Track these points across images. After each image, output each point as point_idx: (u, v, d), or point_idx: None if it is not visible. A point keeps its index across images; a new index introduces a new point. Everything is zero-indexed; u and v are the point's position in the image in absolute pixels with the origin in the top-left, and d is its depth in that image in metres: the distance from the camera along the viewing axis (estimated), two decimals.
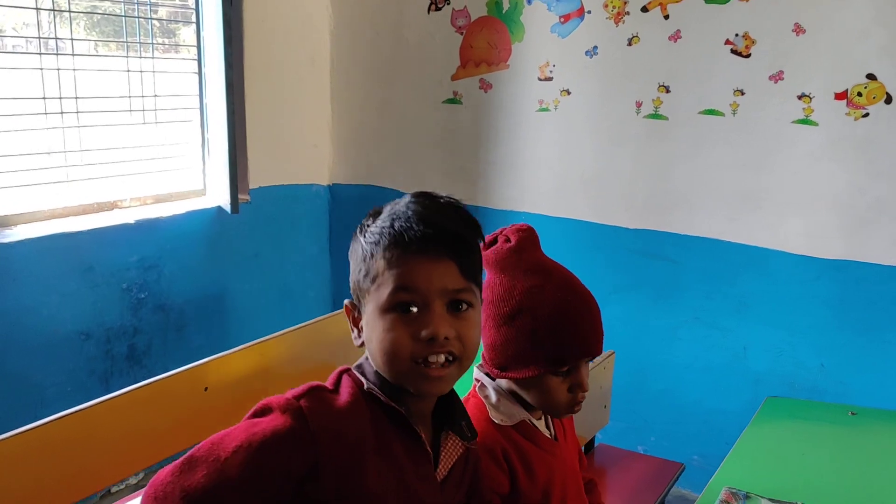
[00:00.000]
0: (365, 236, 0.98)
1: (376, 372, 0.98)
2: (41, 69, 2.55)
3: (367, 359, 1.01)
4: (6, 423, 1.71)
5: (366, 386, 0.97)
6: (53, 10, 2.69)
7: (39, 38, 2.57)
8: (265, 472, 0.88)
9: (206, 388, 2.16)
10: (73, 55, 2.63)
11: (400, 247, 0.94)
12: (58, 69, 2.59)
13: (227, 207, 3.03)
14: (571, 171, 3.02)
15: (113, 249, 2.69)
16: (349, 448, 0.92)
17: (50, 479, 1.78)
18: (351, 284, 1.02)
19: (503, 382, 1.32)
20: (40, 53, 2.61)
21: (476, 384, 1.36)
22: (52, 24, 2.76)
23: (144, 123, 2.89)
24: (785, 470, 1.69)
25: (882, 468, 1.70)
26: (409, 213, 0.96)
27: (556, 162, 3.05)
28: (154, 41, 2.91)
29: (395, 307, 0.94)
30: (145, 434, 2.00)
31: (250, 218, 3.15)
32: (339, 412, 0.93)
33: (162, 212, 2.88)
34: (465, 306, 0.97)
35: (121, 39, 2.94)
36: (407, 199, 0.99)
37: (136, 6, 2.85)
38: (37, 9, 2.68)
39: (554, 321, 1.26)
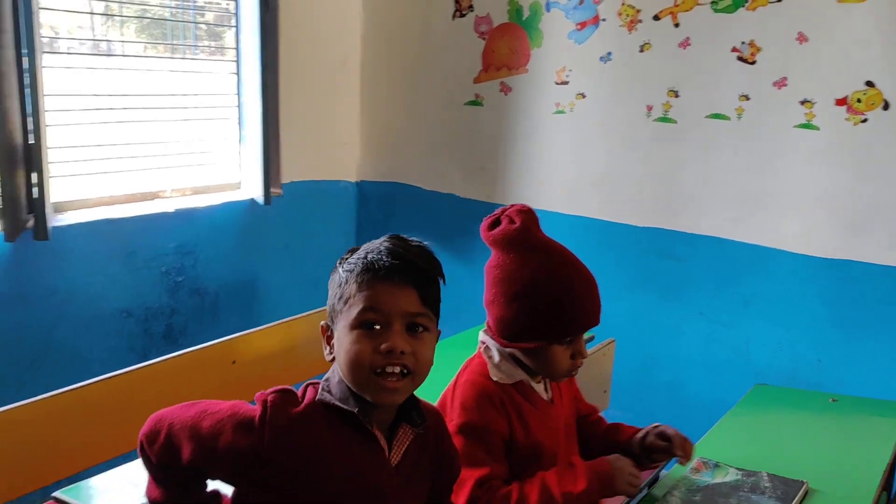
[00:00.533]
0: (343, 266, 1.16)
1: (339, 383, 1.15)
2: (94, 69, 2.79)
3: (333, 372, 1.18)
4: None
5: (318, 396, 1.14)
6: (106, 14, 2.94)
7: (93, 40, 2.81)
8: (219, 440, 1.09)
9: (233, 362, 2.36)
10: (123, 56, 2.87)
11: (370, 273, 1.12)
12: (109, 69, 2.83)
13: (260, 200, 3.24)
14: (585, 171, 3.16)
15: (154, 236, 2.91)
16: (299, 447, 1.09)
17: (91, 436, 1.99)
18: (327, 308, 1.19)
19: (507, 348, 1.47)
20: (93, 55, 2.87)
21: (481, 346, 1.51)
22: (105, 28, 3.01)
23: (186, 120, 3.12)
24: (758, 445, 1.81)
25: (850, 445, 1.82)
26: (382, 248, 1.14)
27: (570, 162, 3.20)
28: (197, 44, 3.15)
29: (361, 324, 1.10)
30: (178, 400, 2.17)
31: (282, 210, 3.35)
32: (292, 416, 1.11)
33: (200, 202, 3.10)
34: (421, 329, 1.14)
35: (167, 42, 3.18)
36: (382, 238, 1.18)
37: (182, 11, 3.09)
38: (91, 13, 2.93)
39: (560, 298, 1.41)
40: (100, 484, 1.62)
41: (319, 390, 1.15)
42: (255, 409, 1.11)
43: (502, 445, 1.42)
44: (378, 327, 1.11)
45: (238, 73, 3.28)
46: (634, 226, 3.07)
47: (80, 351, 2.68)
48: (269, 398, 1.11)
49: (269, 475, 1.09)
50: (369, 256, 1.13)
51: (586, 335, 1.55)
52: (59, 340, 2.63)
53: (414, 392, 1.19)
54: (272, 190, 3.26)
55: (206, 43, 3.37)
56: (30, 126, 2.45)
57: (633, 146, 3.03)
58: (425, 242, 1.21)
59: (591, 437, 1.66)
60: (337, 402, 1.13)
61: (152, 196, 3.04)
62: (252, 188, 3.28)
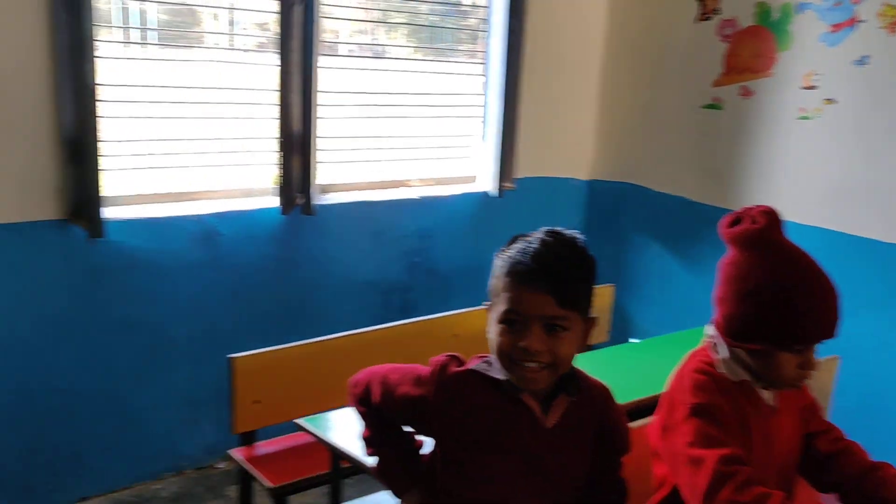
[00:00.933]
0: (498, 260, 1.29)
1: None
2: (362, 70, 3.21)
3: None
4: None
5: (473, 365, 1.32)
6: (377, 21, 3.36)
7: (359, 44, 3.23)
8: (399, 389, 1.34)
9: (455, 335, 2.61)
10: (389, 59, 3.27)
11: (511, 276, 1.24)
12: (374, 70, 3.24)
13: (494, 192, 3.48)
14: (828, 180, 2.99)
15: (398, 219, 3.26)
16: (457, 401, 1.30)
17: (334, 381, 2.32)
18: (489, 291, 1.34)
19: (733, 347, 1.45)
20: (362, 56, 3.29)
21: (707, 341, 1.50)
22: (374, 33, 3.43)
23: (437, 117, 3.45)
24: None
25: None
26: (528, 249, 1.23)
27: (812, 170, 3.04)
28: (454, 48, 3.47)
29: (504, 320, 1.24)
30: (405, 360, 2.48)
31: (513, 203, 3.55)
32: (453, 375, 1.32)
33: (440, 192, 3.41)
34: (559, 329, 1.24)
35: (428, 45, 3.54)
36: (539, 232, 1.27)
37: (444, 18, 3.43)
38: (368, 21, 3.36)
39: (796, 303, 1.35)
40: (334, 418, 1.92)
41: (481, 360, 1.33)
42: (429, 369, 1.34)
43: (737, 429, 1.39)
44: (518, 324, 1.23)
45: (486, 76, 3.54)
46: (882, 241, 2.85)
47: (331, 312, 3.09)
48: (439, 360, 1.33)
49: (434, 423, 1.32)
50: (515, 258, 1.24)
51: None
52: (315, 300, 3.07)
53: (573, 366, 1.32)
54: (505, 184, 3.48)
55: (464, 47, 3.67)
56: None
57: (886, 156, 2.82)
58: (580, 237, 1.29)
59: (832, 464, 1.52)
60: (484, 371, 1.30)
61: (400, 184, 3.40)
62: (487, 181, 3.53)
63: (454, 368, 1.33)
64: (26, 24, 2.31)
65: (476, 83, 3.56)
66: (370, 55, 3.41)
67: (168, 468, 2.87)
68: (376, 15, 3.33)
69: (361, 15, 3.33)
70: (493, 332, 1.27)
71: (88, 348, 2.60)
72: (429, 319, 2.59)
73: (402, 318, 3.25)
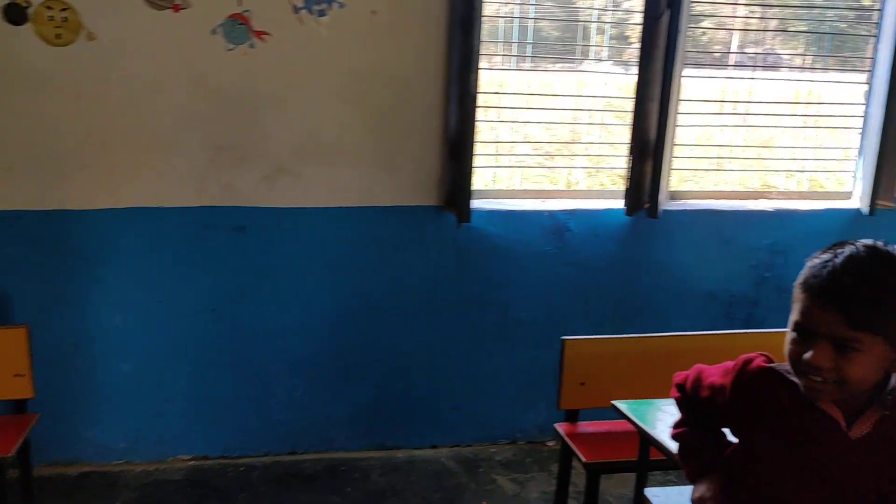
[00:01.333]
0: (806, 264, 1.24)
1: None
2: (732, 78, 3.20)
3: None
4: None
5: (775, 364, 1.33)
6: (746, 29, 3.31)
7: (728, 53, 3.21)
8: (707, 379, 1.43)
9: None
10: (762, 67, 3.21)
11: (802, 288, 1.22)
12: (743, 79, 3.21)
13: (865, 210, 3.17)
14: None
15: (750, 231, 3.16)
16: (753, 393, 1.32)
17: (651, 377, 2.34)
18: None
19: None
20: (732, 66, 3.27)
21: None
22: (749, 41, 3.38)
23: (805, 128, 3.27)
24: None
25: None
26: (831, 262, 1.18)
27: None
28: (832, 56, 3.27)
29: (794, 330, 1.23)
30: None
31: (890, 224, 3.19)
32: (752, 370, 1.34)
33: (801, 206, 3.22)
34: (850, 349, 1.16)
35: (804, 53, 3.38)
36: (852, 245, 1.20)
37: (839, 26, 3.28)
38: (763, 30, 3.35)
39: None
40: (650, 408, 1.99)
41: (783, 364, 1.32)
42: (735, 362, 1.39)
43: None
44: (807, 336, 1.20)
45: (870, 84, 3.25)
46: None
47: (668, 315, 3.12)
48: (748, 355, 1.37)
49: (729, 413, 1.38)
50: (814, 269, 1.20)
51: None
52: (653, 301, 3.14)
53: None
54: (881, 202, 3.15)
55: (844, 54, 3.42)
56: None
57: None
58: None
59: None
60: (785, 373, 1.29)
61: (758, 195, 3.29)
62: (862, 198, 3.23)
63: (759, 363, 1.36)
64: (429, 40, 2.78)
65: (857, 92, 3.28)
66: (736, 63, 3.36)
67: (504, 436, 3.19)
68: (743, 23, 3.28)
69: (733, 24, 3.30)
70: (787, 337, 1.27)
71: (450, 318, 3.03)
72: (767, 332, 2.49)
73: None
